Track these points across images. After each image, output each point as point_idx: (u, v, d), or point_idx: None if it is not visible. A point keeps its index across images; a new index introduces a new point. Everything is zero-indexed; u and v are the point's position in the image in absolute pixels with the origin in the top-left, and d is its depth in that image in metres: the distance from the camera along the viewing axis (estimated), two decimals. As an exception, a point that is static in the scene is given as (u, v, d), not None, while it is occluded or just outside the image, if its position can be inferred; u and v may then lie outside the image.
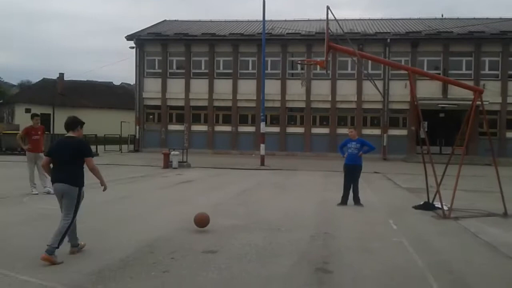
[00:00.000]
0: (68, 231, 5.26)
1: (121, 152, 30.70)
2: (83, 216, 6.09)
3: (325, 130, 30.76)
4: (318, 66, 23.85)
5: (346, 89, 30.18)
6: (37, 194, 10.34)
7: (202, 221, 6.85)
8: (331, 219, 8.38)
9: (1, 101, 50.90)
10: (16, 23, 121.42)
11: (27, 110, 45.17)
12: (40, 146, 11.05)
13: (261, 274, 4.89)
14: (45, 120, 44.84)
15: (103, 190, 5.71)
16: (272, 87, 28.97)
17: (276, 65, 31.30)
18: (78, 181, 5.38)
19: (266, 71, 25.39)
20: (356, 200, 9.84)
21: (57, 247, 5.08)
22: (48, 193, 10.34)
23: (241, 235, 6.72)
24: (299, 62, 25.50)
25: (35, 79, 60.17)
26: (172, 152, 19.23)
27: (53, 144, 5.78)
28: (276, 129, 30.83)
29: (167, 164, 18.77)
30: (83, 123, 5.73)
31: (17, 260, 5.10)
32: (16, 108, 45.66)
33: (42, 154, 10.96)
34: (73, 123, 5.59)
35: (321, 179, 15.88)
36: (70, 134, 5.55)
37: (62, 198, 5.36)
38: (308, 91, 30.02)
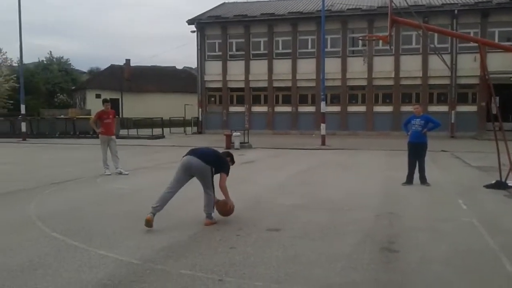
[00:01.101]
0: (213, 200, 6.16)
1: (186, 134, 31.66)
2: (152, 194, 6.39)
3: (388, 108, 29.86)
4: (381, 42, 23.08)
5: (411, 65, 28.99)
6: (109, 175, 10.91)
7: (224, 211, 6.47)
8: (396, 198, 8.20)
9: (74, 87, 53.88)
10: (85, 13, 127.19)
11: (97, 96, 47.59)
12: (111, 129, 11.55)
13: (325, 252, 4.92)
14: (114, 104, 47.08)
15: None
16: (332, 66, 28.44)
17: (336, 43, 30.64)
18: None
19: (326, 49, 24.94)
20: (422, 179, 9.53)
21: (212, 212, 6.13)
22: (120, 173, 10.94)
23: (303, 214, 6.76)
24: (361, 38, 24.75)
25: (103, 65, 63.01)
26: (234, 133, 19.56)
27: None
28: (336, 108, 30.36)
29: (229, 145, 19.13)
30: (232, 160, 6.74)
31: (95, 236, 5.47)
32: (87, 94, 48.22)
33: (114, 137, 11.56)
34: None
35: (385, 158, 15.52)
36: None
37: (198, 177, 6.25)
38: (370, 68, 29.19)
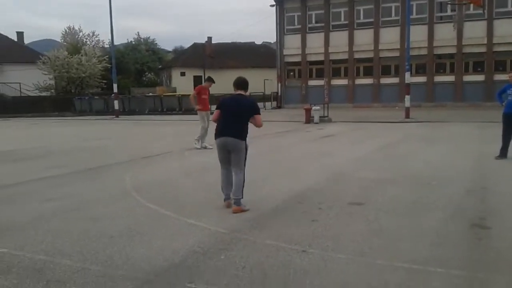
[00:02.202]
0: (244, 182, 5.55)
1: (265, 109, 31.94)
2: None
3: (479, 77, 27.84)
4: (472, 5, 21.42)
5: (505, 29, 26.62)
6: (211, 148, 10.74)
7: None
8: (489, 173, 7.72)
9: (160, 66, 56.34)
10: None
11: (182, 74, 49.42)
12: (208, 105, 11.73)
13: (412, 227, 4.79)
14: (197, 82, 48.62)
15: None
16: (417, 34, 26.90)
17: (422, 9, 28.91)
18: (245, 136, 5.56)
19: (411, 16, 23.59)
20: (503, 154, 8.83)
21: (242, 197, 5.48)
22: (205, 148, 11.26)
23: (388, 188, 6.61)
24: (450, 2, 23.09)
25: (187, 44, 65.11)
26: (314, 107, 19.40)
27: (226, 99, 5.86)
28: (422, 79, 28.88)
29: (309, 119, 19.04)
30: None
31: (184, 206, 5.79)
32: (173, 72, 50.19)
33: (209, 112, 11.61)
34: (245, 83, 5.80)
35: (475, 131, 14.57)
36: (241, 92, 5.72)
37: (230, 153, 5.51)
38: (459, 35, 27.23)
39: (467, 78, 28.24)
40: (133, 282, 3.54)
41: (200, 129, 11.49)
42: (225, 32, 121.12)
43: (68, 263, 3.91)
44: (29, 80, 39.64)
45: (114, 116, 27.50)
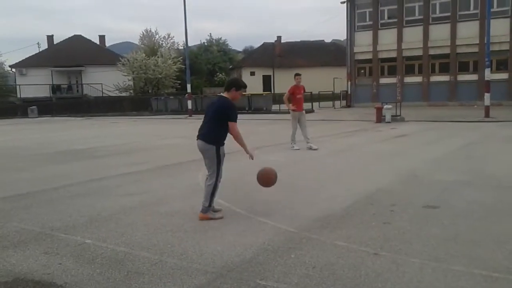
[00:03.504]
0: (215, 190, 5.24)
1: (334, 108, 31.55)
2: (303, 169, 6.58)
3: None
4: None
5: None
6: (298, 149, 10.90)
7: (266, 181, 5.66)
8: None
9: (231, 66, 57.53)
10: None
11: (252, 73, 50.20)
12: (302, 105, 11.32)
13: (491, 233, 4.55)
14: (267, 81, 49.14)
15: (250, 158, 5.52)
16: (497, 28, 25.23)
17: (504, 1, 27.06)
18: (214, 140, 5.19)
19: (491, 9, 22.15)
20: None
21: (209, 206, 5.22)
22: (310, 148, 11.02)
23: (465, 191, 6.31)
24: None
25: (257, 44, 65.94)
26: (385, 106, 18.86)
27: (210, 101, 5.67)
28: (504, 76, 27.09)
29: (380, 119, 18.54)
30: (241, 86, 5.40)
31: (255, 204, 5.92)
32: (243, 72, 51.07)
33: (303, 111, 11.48)
34: (228, 84, 5.38)
35: None
36: (224, 94, 5.35)
37: (203, 157, 5.31)
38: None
39: (558, 73, 26.09)
40: (206, 275, 3.69)
41: (292, 130, 11.25)
42: (295, 31, 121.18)
43: (147, 255, 4.16)
44: (109, 81, 42.24)
45: (188, 115, 28.48)
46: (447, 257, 3.94)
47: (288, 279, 3.58)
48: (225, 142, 5.37)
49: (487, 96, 19.29)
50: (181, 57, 40.85)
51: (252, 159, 5.56)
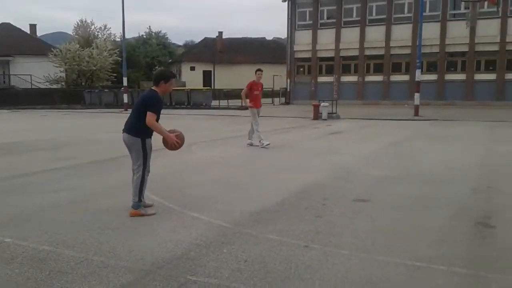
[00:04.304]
0: (143, 184, 5.12)
1: (274, 105, 31.93)
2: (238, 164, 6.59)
3: (491, 76, 27.60)
4: (486, 3, 21.17)
5: (520, 28, 26.29)
6: (269, 144, 10.48)
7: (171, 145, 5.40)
8: (497, 173, 7.65)
9: (170, 60, 56.51)
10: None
11: (192, 68, 49.59)
12: (260, 102, 11.07)
13: (415, 225, 4.77)
14: (207, 76, 48.79)
15: (172, 141, 5.26)
16: (429, 31, 26.66)
17: (435, 6, 28.67)
18: (138, 132, 5.06)
19: (424, 13, 23.38)
20: None
21: (139, 201, 5.10)
22: (251, 145, 10.89)
23: (393, 186, 6.59)
24: None
25: (198, 39, 65.26)
26: (322, 104, 19.34)
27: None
28: (433, 77, 28.69)
29: (317, 116, 19.00)
30: (169, 77, 5.23)
31: (189, 200, 5.82)
32: (183, 67, 50.37)
33: (260, 109, 11.13)
34: (156, 79, 5.21)
35: (484, 130, 14.42)
36: (154, 88, 5.18)
37: (129, 151, 5.19)
38: (472, 33, 27.00)
39: (478, 76, 27.97)
40: (134, 273, 3.57)
41: (253, 127, 10.88)
42: (236, 27, 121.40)
43: (71, 254, 3.95)
44: (40, 72, 39.99)
45: (123, 110, 27.65)
46: (374, 248, 4.08)
47: (219, 274, 3.54)
48: (152, 135, 5.23)
49: (417, 96, 20.32)
50: (118, 49, 39.52)
51: (176, 141, 5.32)
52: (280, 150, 10.52)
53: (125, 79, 29.09)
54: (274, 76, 36.57)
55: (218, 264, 3.73)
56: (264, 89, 12.05)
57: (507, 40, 26.80)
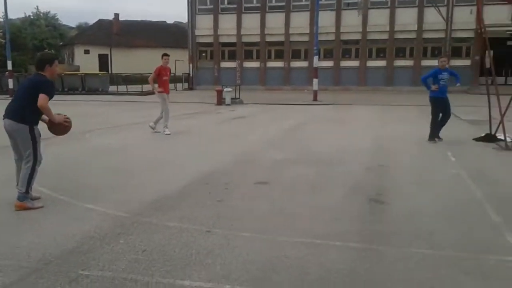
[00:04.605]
0: (33, 174, 4.71)
1: (176, 90, 31.24)
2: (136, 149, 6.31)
3: (381, 63, 29.60)
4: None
5: (406, 18, 28.52)
6: (169, 134, 10.14)
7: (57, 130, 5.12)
8: (387, 152, 8.21)
9: (62, 43, 52.65)
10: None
11: (86, 51, 46.69)
12: (168, 87, 10.82)
13: (312, 204, 4.94)
14: (103, 60, 46.27)
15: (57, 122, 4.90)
16: (326, 19, 27.83)
17: (331, -6, 29.83)
18: (26, 119, 4.66)
19: (320, 2, 24.26)
20: (435, 135, 9.15)
21: (26, 192, 4.67)
22: (153, 129, 10.48)
23: (292, 168, 6.77)
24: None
25: (91, 20, 61.42)
26: (225, 89, 19.34)
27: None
28: (329, 63, 30.03)
29: (220, 101, 18.96)
30: (53, 59, 4.88)
31: (83, 191, 5.44)
32: (76, 50, 47.20)
33: (169, 95, 10.76)
34: (39, 63, 4.78)
35: (377, 113, 15.46)
36: (40, 73, 4.77)
37: (13, 139, 4.78)
38: (364, 22, 28.68)
39: (371, 63, 29.86)
40: (19, 271, 3.24)
41: (162, 113, 10.44)
42: (134, 10, 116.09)
43: None
44: None
45: (9, 96, 25.24)
46: (274, 230, 4.13)
47: (115, 266, 3.34)
48: (38, 123, 4.80)
49: (315, 81, 21.16)
50: (1, 31, 35.92)
51: (65, 119, 4.98)
52: (182, 136, 10.32)
53: (9, 63, 26.57)
54: (176, 61, 35.76)
55: (114, 256, 3.52)
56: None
57: (395, 29, 28.88)
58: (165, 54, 10.73)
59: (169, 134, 10.17)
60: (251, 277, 3.21)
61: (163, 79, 10.48)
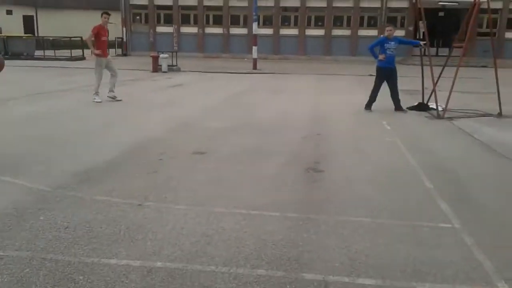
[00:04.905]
0: None
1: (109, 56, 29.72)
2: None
3: (320, 32, 29.68)
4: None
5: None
6: (100, 102, 9.55)
7: None
8: (324, 121, 8.24)
9: (-20, 2, 48.20)
10: None
11: (8, 12, 43.10)
12: (107, 49, 10.19)
13: (250, 174, 4.81)
14: (28, 22, 42.99)
15: None
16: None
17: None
18: None
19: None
20: (399, 106, 9.16)
21: None
22: (114, 98, 9.89)
23: (231, 137, 6.59)
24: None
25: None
26: (161, 55, 18.56)
27: None
28: (269, 31, 29.71)
29: (156, 68, 18.21)
30: None
31: (2, 161, 4.96)
32: (-3, 10, 43.36)
33: (110, 57, 10.24)
34: None
35: (315, 83, 15.55)
36: None
37: None
38: (303, -12, 28.47)
39: (309, 32, 29.85)
40: None
41: (96, 79, 9.80)
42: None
43: None
44: None
45: None
46: (210, 201, 3.96)
47: (33, 246, 3.03)
48: None
49: (254, 49, 20.84)
50: None
51: None
52: (115, 104, 9.76)
53: None
54: (108, 24, 33.98)
55: (33, 234, 3.20)
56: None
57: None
58: (105, 13, 10.05)
59: (99, 101, 9.60)
60: (185, 252, 3.03)
61: (101, 40, 9.83)
